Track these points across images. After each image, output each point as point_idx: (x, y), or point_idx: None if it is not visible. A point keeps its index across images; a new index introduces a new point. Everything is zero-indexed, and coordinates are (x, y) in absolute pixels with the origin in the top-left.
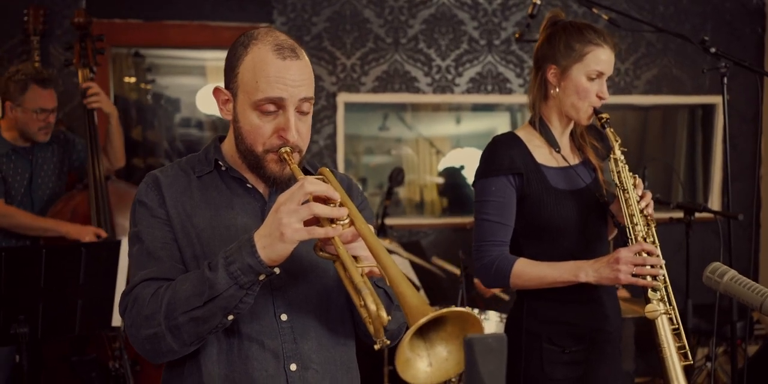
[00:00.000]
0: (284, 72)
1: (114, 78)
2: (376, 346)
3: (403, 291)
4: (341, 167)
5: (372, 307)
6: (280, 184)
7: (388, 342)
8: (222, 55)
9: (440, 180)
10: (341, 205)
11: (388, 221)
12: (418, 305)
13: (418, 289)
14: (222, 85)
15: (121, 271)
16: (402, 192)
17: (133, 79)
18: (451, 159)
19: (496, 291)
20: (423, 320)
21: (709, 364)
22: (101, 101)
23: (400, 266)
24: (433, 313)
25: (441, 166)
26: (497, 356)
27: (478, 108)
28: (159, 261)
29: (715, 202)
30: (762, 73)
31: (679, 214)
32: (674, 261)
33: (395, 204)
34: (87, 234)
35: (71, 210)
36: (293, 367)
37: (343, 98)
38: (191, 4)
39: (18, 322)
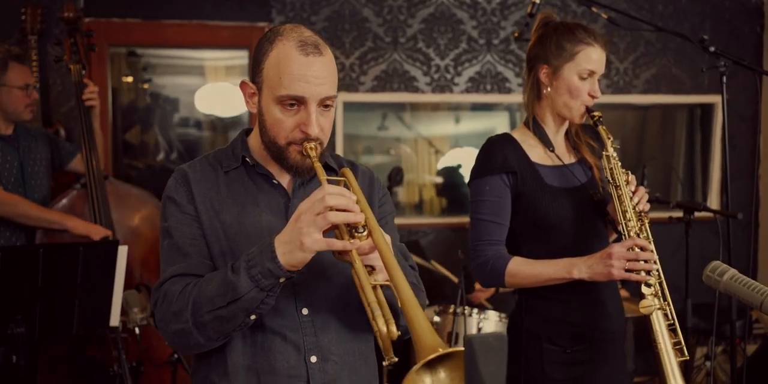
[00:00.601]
0: (306, 69)
1: (112, 78)
2: (385, 363)
3: (412, 316)
4: None
5: (383, 328)
6: (302, 174)
7: (396, 359)
8: (221, 54)
9: (439, 180)
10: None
11: None
12: (427, 336)
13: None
14: (247, 78)
15: (119, 270)
16: (401, 192)
17: (131, 79)
18: (450, 158)
19: (485, 296)
20: (432, 356)
21: (708, 364)
22: (97, 100)
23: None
24: (443, 350)
25: (440, 166)
26: (498, 356)
27: (477, 107)
28: (187, 257)
29: (713, 202)
30: (761, 72)
31: (679, 214)
32: (673, 260)
33: (394, 204)
34: (97, 233)
35: (68, 209)
36: (313, 359)
37: (341, 98)
38: (190, 4)
39: (15, 322)
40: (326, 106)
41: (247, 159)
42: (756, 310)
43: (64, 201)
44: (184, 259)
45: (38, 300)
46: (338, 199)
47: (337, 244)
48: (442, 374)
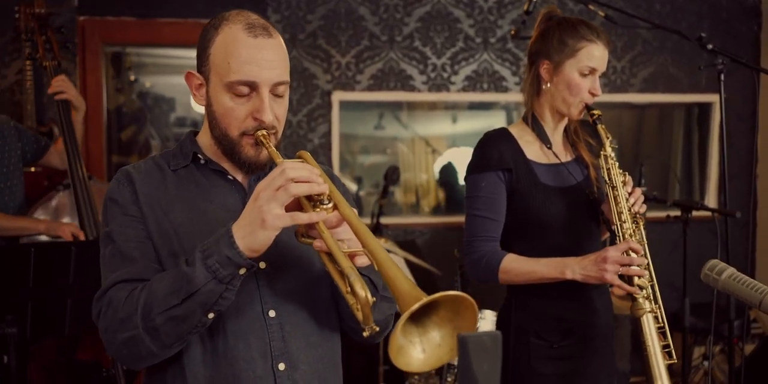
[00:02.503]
0: (256, 52)
1: (107, 76)
2: (365, 333)
3: (392, 275)
4: (336, 166)
5: (361, 292)
6: (256, 170)
7: (377, 329)
8: None
9: (436, 179)
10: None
11: (384, 220)
12: (410, 290)
13: None
14: (194, 70)
15: None
16: (398, 191)
17: (126, 78)
18: (447, 158)
19: None
20: (416, 306)
21: (706, 363)
22: (69, 93)
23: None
24: (426, 298)
25: (437, 165)
26: (492, 354)
27: (474, 106)
28: (132, 261)
29: (711, 201)
30: (758, 70)
31: (676, 212)
32: (671, 259)
33: (391, 203)
34: (66, 231)
35: (54, 210)
36: (281, 366)
37: (338, 97)
38: (185, 3)
39: (6, 322)
40: (279, 95)
41: (199, 155)
42: (755, 308)
43: (52, 202)
44: (129, 263)
45: (30, 300)
46: (299, 171)
47: (302, 217)
48: (432, 333)
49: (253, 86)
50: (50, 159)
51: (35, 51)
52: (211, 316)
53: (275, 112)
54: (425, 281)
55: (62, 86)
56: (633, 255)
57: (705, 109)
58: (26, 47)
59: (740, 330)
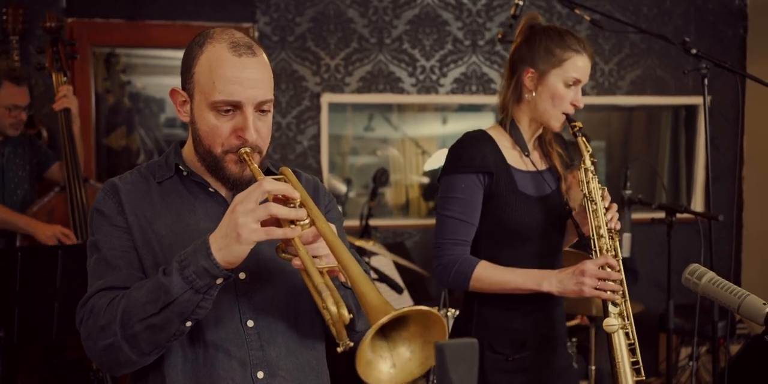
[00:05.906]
0: (240, 71)
1: (96, 78)
2: (339, 349)
3: (363, 290)
4: (325, 168)
5: (332, 308)
6: (240, 186)
7: (351, 344)
8: None
9: (426, 180)
10: (301, 205)
11: (373, 222)
12: (379, 305)
13: (401, 290)
14: (178, 87)
15: None
16: (388, 193)
17: (115, 80)
18: (437, 159)
19: None
20: (384, 320)
21: (692, 364)
22: (69, 101)
23: (384, 267)
24: (393, 312)
25: (427, 167)
26: (468, 362)
27: (464, 108)
28: (117, 269)
29: (698, 203)
30: (740, 74)
31: (661, 215)
32: (658, 260)
33: (382, 205)
34: (51, 236)
35: (48, 212)
36: (260, 374)
37: (327, 99)
38: (174, 4)
39: None
40: (263, 110)
41: (181, 167)
42: (734, 313)
43: (47, 204)
44: (113, 272)
45: (17, 304)
46: (276, 185)
47: (277, 232)
48: (401, 348)
49: (237, 105)
50: (52, 174)
51: (44, 61)
52: (188, 324)
53: (259, 129)
54: (414, 283)
55: (65, 103)
56: (610, 271)
57: (692, 111)
58: (13, 48)
59: (725, 331)
